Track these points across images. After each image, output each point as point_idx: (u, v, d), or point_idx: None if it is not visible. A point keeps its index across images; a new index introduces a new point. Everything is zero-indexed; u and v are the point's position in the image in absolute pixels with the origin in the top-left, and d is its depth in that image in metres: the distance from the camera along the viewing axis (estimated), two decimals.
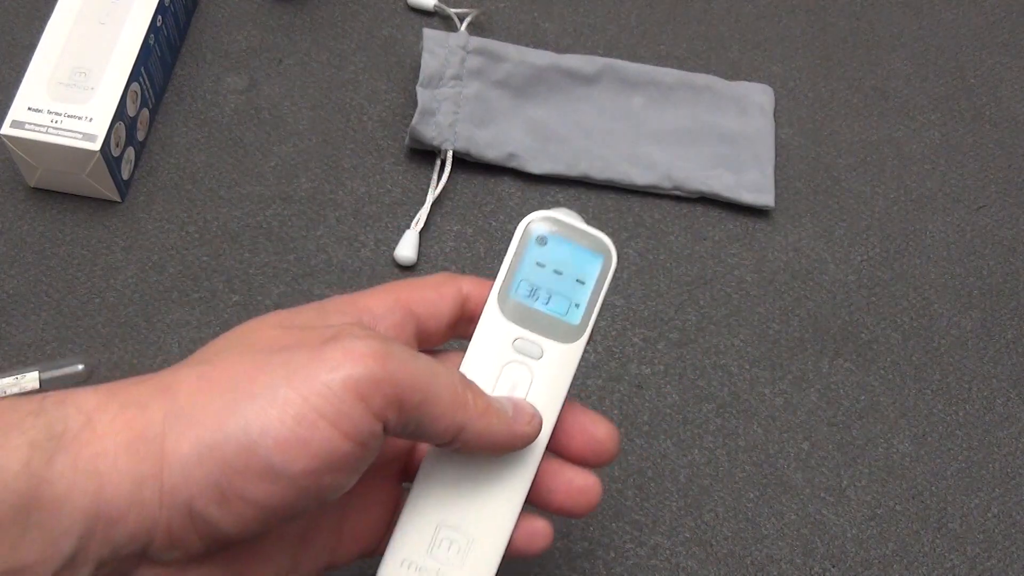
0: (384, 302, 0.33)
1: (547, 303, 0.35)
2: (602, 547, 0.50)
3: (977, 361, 0.56)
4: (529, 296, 0.35)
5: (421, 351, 0.33)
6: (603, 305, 0.35)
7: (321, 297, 0.54)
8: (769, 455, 0.53)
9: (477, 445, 0.32)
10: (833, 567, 0.50)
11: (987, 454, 0.54)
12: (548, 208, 0.38)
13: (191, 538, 0.28)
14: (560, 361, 0.35)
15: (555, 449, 0.36)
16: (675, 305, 0.56)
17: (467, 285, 0.35)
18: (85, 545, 0.27)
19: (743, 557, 0.50)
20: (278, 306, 0.54)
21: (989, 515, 0.52)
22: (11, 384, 0.50)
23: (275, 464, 0.27)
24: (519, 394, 0.35)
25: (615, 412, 0.53)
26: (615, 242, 0.57)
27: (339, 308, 0.33)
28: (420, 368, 0.30)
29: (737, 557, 0.50)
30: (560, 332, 0.35)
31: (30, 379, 0.50)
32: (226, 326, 0.53)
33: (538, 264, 0.35)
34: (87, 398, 0.28)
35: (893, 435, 0.54)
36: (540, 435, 0.34)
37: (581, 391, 0.53)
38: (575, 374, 0.36)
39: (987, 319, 0.58)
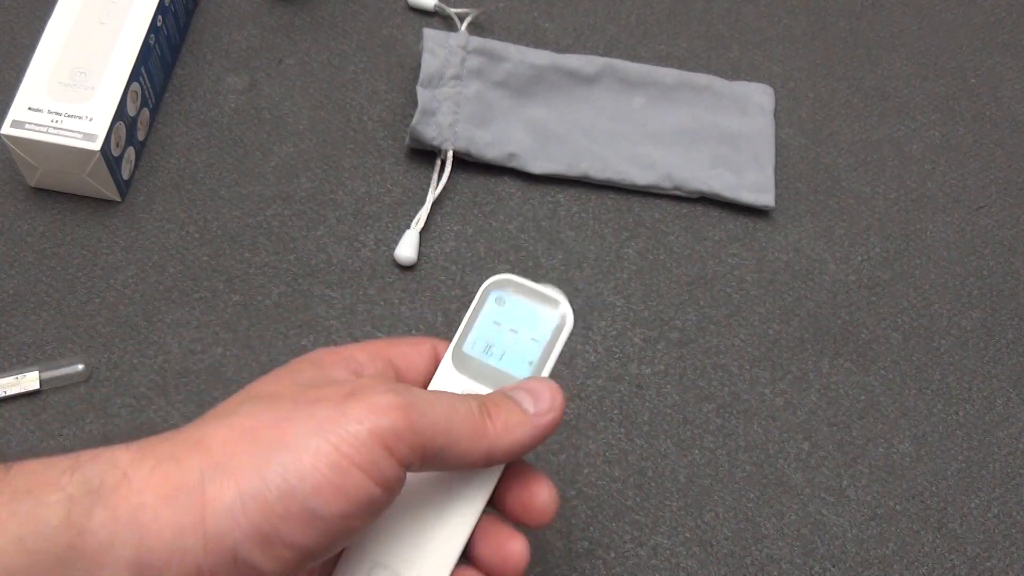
0: (367, 352, 0.36)
1: (500, 359, 0.36)
2: (602, 547, 0.50)
3: (977, 361, 0.56)
4: (484, 352, 0.37)
5: None
6: (557, 361, 0.37)
7: (321, 297, 0.54)
8: (769, 455, 0.53)
9: (509, 458, 0.34)
10: (833, 567, 0.50)
11: (987, 454, 0.54)
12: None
13: None
14: None
15: (493, 502, 0.36)
16: (675, 305, 0.56)
17: (441, 346, 0.38)
18: None
19: (743, 557, 0.50)
20: (278, 306, 0.54)
21: (989, 515, 0.52)
22: (11, 384, 0.50)
23: (313, 508, 0.29)
24: None
25: (615, 412, 0.53)
26: (615, 243, 0.57)
27: (331, 360, 0.35)
28: (439, 415, 0.32)
29: (737, 557, 0.50)
30: None
31: (30, 379, 0.50)
32: (226, 326, 0.53)
33: (495, 323, 0.37)
34: (120, 454, 0.30)
35: (893, 435, 0.54)
36: (486, 481, 0.35)
37: (581, 391, 0.53)
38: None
39: (987, 319, 0.58)
